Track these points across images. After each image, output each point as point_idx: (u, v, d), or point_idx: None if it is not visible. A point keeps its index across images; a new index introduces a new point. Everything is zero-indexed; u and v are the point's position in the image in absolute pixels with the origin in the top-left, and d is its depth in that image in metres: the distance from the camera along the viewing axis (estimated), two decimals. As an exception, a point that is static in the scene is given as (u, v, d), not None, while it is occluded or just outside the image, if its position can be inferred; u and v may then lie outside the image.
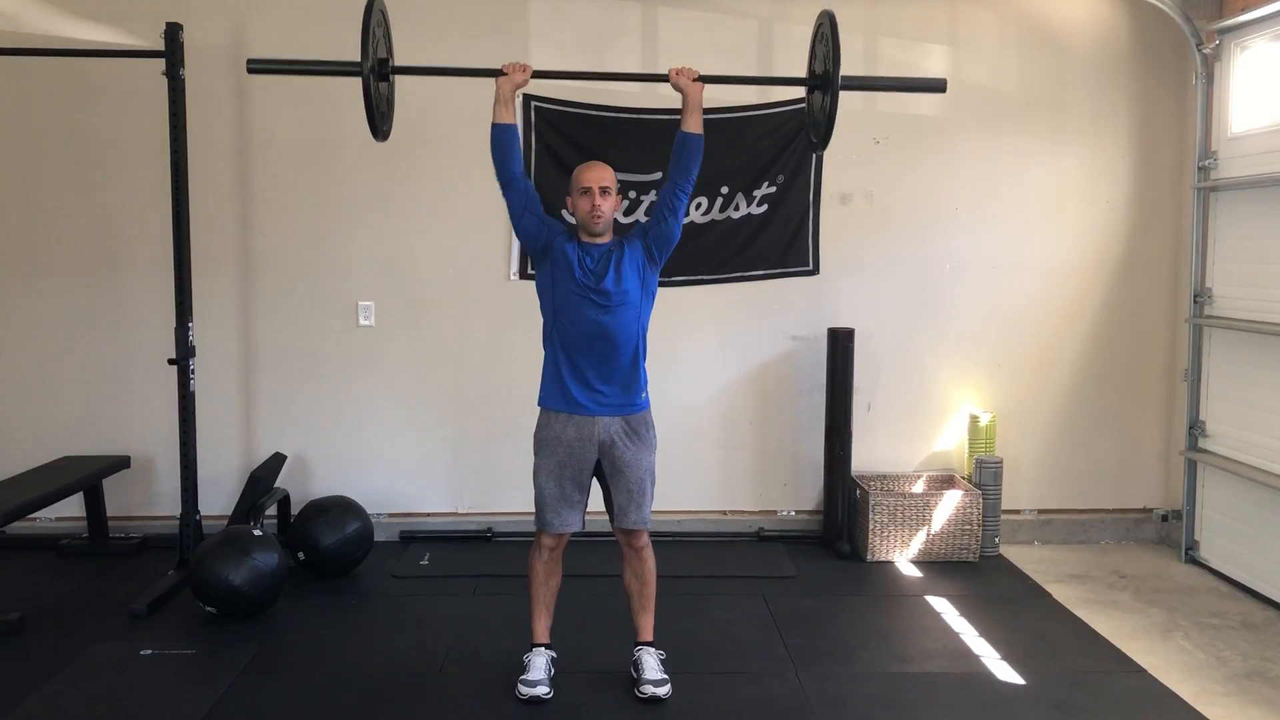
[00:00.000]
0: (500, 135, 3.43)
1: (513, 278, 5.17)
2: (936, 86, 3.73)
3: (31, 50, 4.74)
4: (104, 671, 3.71)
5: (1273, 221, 4.52)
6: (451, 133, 5.05)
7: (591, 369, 3.44)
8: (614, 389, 3.46)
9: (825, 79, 3.44)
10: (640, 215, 5.09)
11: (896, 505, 4.96)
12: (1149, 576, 4.86)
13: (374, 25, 3.38)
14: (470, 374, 5.25)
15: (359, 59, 3.35)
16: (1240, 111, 4.83)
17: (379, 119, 3.48)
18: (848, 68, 5.08)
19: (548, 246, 3.48)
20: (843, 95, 5.05)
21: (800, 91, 5.07)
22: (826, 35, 3.42)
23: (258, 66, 3.57)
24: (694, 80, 3.47)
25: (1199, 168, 4.98)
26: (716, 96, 5.03)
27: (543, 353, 3.56)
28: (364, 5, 3.38)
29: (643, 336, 3.52)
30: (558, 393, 3.49)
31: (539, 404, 3.55)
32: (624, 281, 3.43)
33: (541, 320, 3.55)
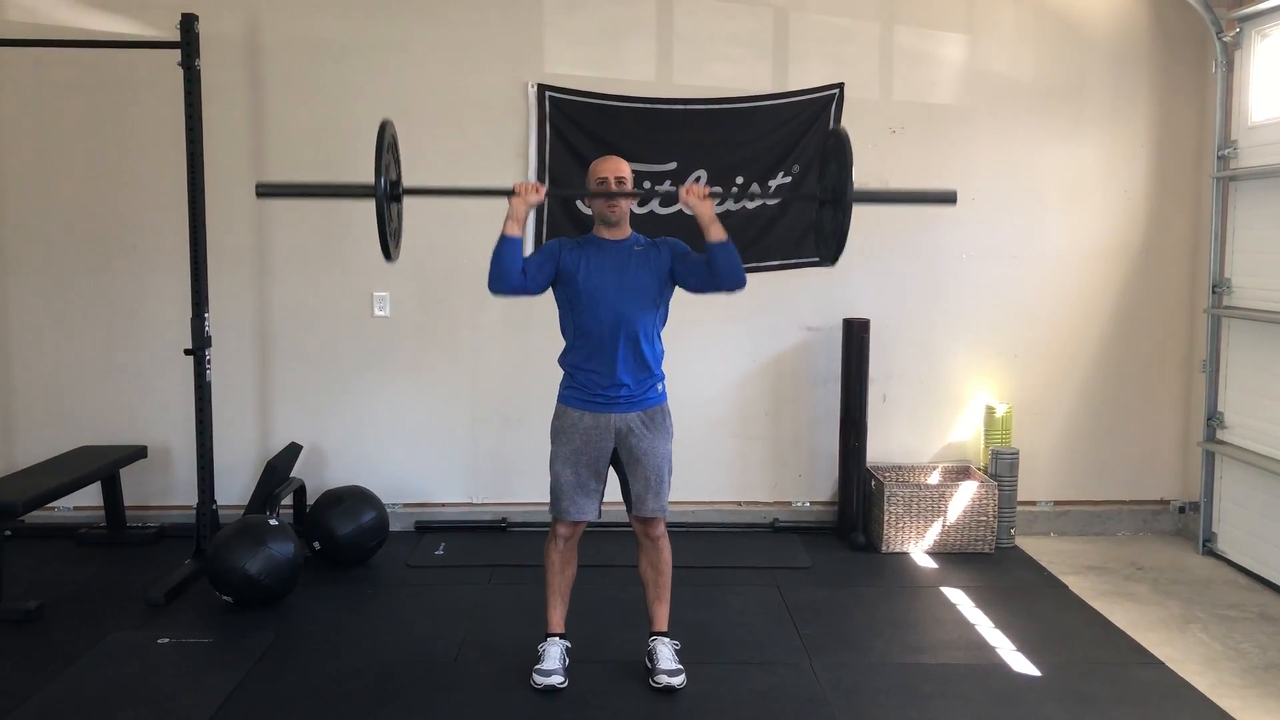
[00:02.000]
0: (506, 249, 3.35)
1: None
2: (947, 198, 3.61)
3: (47, 41, 4.77)
4: (122, 660, 3.74)
5: (1293, 211, 4.49)
6: (467, 119, 5.05)
7: (609, 368, 3.44)
8: (631, 383, 3.46)
9: (838, 194, 3.35)
10: (655, 206, 5.08)
11: (912, 496, 4.95)
12: (1166, 568, 4.84)
13: (385, 150, 3.32)
14: (485, 364, 5.25)
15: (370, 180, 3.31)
16: (1260, 100, 4.78)
17: (390, 239, 3.42)
18: (863, 56, 5.14)
19: (559, 273, 3.47)
20: (859, 84, 5.11)
21: (815, 80, 5.09)
22: (839, 153, 3.35)
23: (267, 190, 3.57)
24: (703, 198, 3.38)
25: (1218, 157, 4.94)
26: (732, 87, 5.06)
27: (556, 341, 3.57)
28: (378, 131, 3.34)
29: (658, 331, 3.53)
30: (575, 394, 3.50)
31: (558, 400, 3.56)
32: (641, 276, 3.44)
33: (558, 319, 3.56)
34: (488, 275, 3.39)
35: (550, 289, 3.53)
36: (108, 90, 5.04)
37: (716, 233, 3.36)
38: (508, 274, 3.36)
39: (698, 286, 3.49)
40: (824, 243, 3.55)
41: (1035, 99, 5.20)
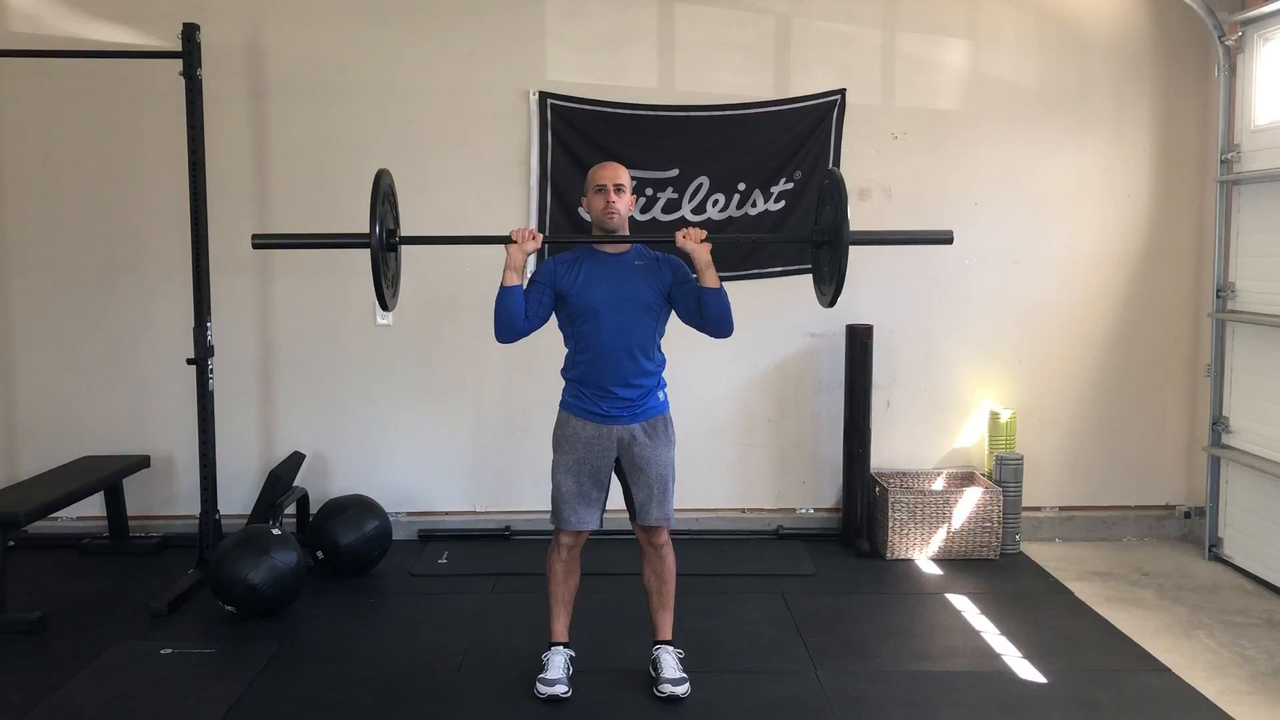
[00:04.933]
0: (509, 299, 3.34)
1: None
2: (944, 239, 3.61)
3: (51, 52, 4.79)
4: (125, 670, 3.73)
5: (1297, 215, 4.48)
6: (468, 129, 5.06)
7: (611, 380, 3.43)
8: (632, 395, 3.45)
9: (835, 234, 3.34)
10: (657, 213, 5.08)
11: (916, 503, 4.93)
12: (1172, 574, 4.82)
13: (381, 201, 3.32)
14: (488, 372, 5.25)
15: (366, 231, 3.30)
16: (1264, 104, 4.77)
17: (386, 288, 3.42)
18: (865, 62, 5.14)
19: (557, 296, 3.45)
20: (861, 90, 5.11)
21: (817, 86, 5.09)
22: (835, 196, 3.34)
23: (262, 242, 3.58)
24: (700, 242, 3.37)
25: (1221, 161, 4.92)
26: (734, 93, 5.06)
27: (559, 349, 3.56)
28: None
29: (658, 343, 3.52)
30: (578, 402, 3.50)
31: (560, 407, 3.55)
32: (639, 287, 3.43)
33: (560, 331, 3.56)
34: (493, 327, 3.39)
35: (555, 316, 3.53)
36: (110, 100, 5.05)
37: (711, 279, 3.36)
38: (513, 323, 3.37)
39: (686, 318, 3.48)
40: (822, 284, 3.53)
41: (1037, 104, 5.19)
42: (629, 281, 3.43)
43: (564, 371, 3.56)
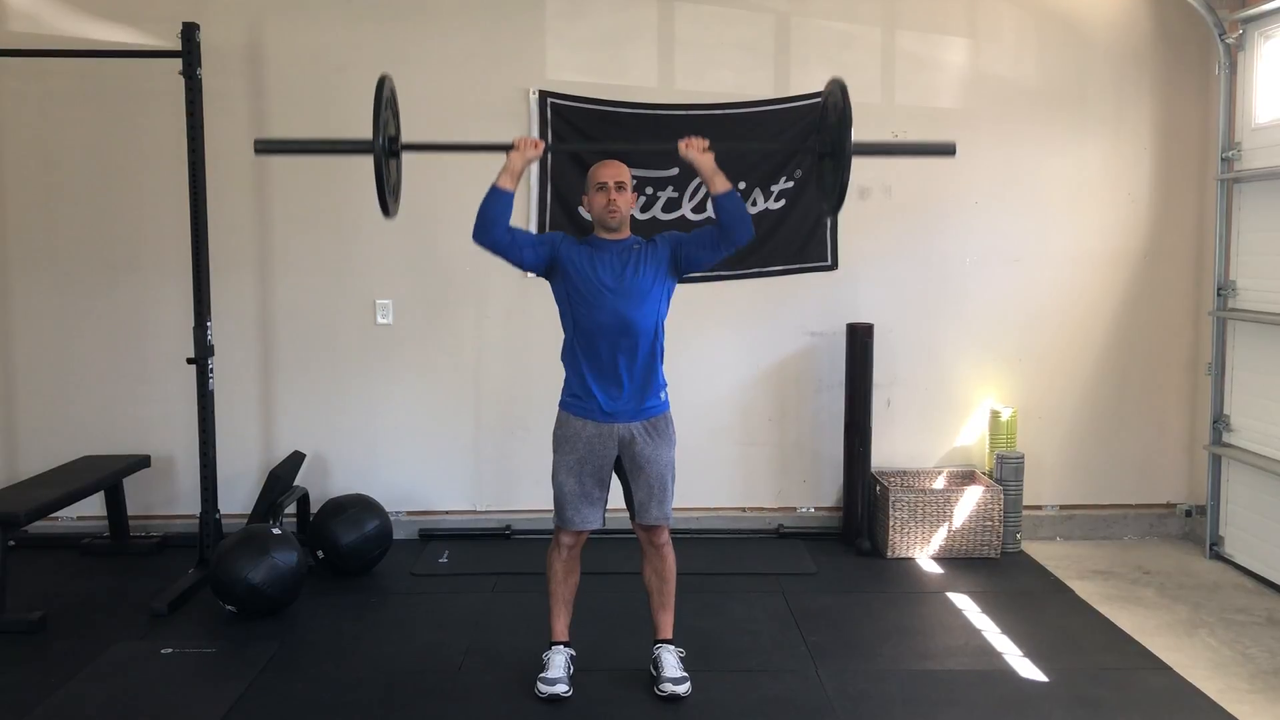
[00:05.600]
0: (495, 200, 3.33)
1: (530, 275, 5.15)
2: (946, 150, 3.65)
3: (50, 51, 4.79)
4: (125, 670, 3.73)
5: (1298, 213, 4.47)
6: (468, 129, 5.04)
7: (611, 369, 3.43)
8: (634, 390, 3.45)
9: (837, 146, 3.36)
10: (657, 211, 5.08)
11: (917, 501, 4.93)
12: (1173, 572, 4.81)
13: (384, 106, 3.33)
14: (488, 371, 5.24)
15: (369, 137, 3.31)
16: (1265, 102, 4.76)
17: (389, 196, 3.42)
18: (865, 61, 5.13)
19: (554, 262, 3.46)
20: (862, 89, 5.09)
21: (817, 84, 5.07)
22: (837, 103, 3.34)
23: (265, 147, 3.57)
24: (704, 151, 3.39)
25: (1222, 159, 4.92)
26: (734, 92, 5.05)
27: (559, 349, 3.56)
28: (378, 76, 3.33)
29: (660, 335, 3.51)
30: (578, 401, 3.49)
31: (560, 407, 3.55)
32: (641, 276, 3.42)
33: (558, 316, 3.54)
34: (473, 225, 3.36)
35: (549, 283, 3.52)
36: (110, 99, 5.05)
37: (721, 184, 3.37)
38: (491, 226, 3.34)
39: (710, 256, 3.45)
40: (825, 196, 3.58)
41: (1037, 102, 5.19)
42: (630, 268, 3.42)
43: (564, 355, 3.54)
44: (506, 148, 3.39)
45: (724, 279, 5.17)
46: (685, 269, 3.50)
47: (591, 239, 3.51)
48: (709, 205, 5.07)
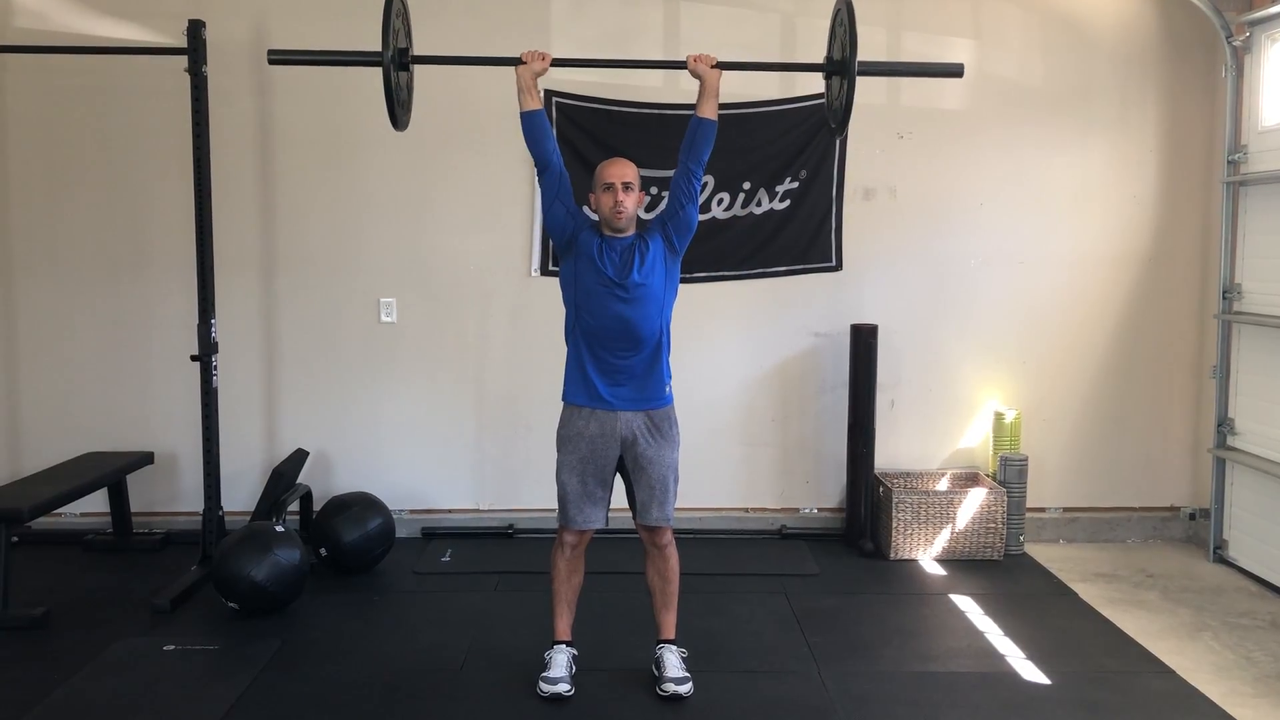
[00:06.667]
0: (529, 121, 3.44)
1: (534, 273, 5.16)
2: (954, 71, 3.72)
3: (56, 48, 4.78)
4: (127, 667, 3.73)
5: (1304, 216, 4.46)
6: (473, 128, 5.06)
7: (615, 362, 3.43)
8: (637, 382, 3.45)
9: (843, 65, 3.42)
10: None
11: (920, 503, 4.93)
12: (1176, 575, 4.81)
13: (394, 16, 3.37)
14: (492, 370, 5.24)
15: (379, 50, 3.36)
16: (1271, 104, 4.76)
17: (399, 108, 3.48)
18: (869, 60, 5.11)
19: (573, 239, 3.46)
20: (866, 89, 5.05)
21: (821, 85, 5.05)
22: (845, 22, 3.39)
23: (278, 57, 3.59)
24: (712, 67, 3.46)
25: (1228, 161, 4.91)
26: (738, 91, 5.04)
27: (564, 348, 3.55)
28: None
29: (666, 330, 3.51)
30: (581, 388, 3.48)
31: (563, 399, 3.54)
32: (647, 274, 3.42)
33: (564, 314, 3.54)
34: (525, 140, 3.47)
35: (559, 257, 3.54)
36: (115, 96, 5.05)
37: (710, 109, 3.46)
38: (536, 143, 3.45)
39: (686, 197, 3.46)
40: (831, 116, 3.68)
41: (1043, 104, 5.18)
42: (636, 262, 3.41)
43: (567, 333, 3.53)
44: (515, 61, 3.44)
45: (728, 279, 5.17)
46: (681, 236, 3.50)
47: (600, 234, 3.51)
48: (714, 205, 5.11)
